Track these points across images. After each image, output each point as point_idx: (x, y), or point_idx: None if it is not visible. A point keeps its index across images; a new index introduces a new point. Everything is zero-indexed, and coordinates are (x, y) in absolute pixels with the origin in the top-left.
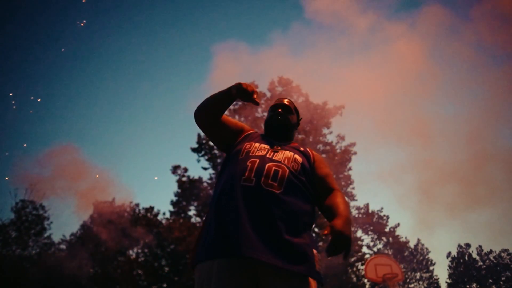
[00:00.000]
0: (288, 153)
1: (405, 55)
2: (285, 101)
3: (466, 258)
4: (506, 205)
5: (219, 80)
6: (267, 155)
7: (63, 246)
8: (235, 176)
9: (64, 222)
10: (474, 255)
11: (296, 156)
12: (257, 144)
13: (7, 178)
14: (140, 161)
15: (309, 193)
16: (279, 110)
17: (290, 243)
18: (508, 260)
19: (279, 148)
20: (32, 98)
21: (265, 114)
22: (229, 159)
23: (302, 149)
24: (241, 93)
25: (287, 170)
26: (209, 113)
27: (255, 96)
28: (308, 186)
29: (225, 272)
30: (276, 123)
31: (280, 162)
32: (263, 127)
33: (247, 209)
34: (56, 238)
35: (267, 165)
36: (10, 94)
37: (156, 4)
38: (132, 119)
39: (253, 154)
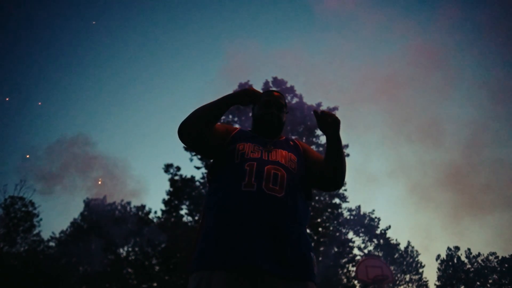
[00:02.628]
0: (283, 152)
1: (402, 55)
2: (279, 98)
3: (455, 260)
4: (497, 209)
5: (211, 78)
6: (263, 157)
7: (52, 244)
8: (235, 181)
9: (54, 219)
10: (463, 258)
11: (291, 154)
12: (249, 145)
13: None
14: (133, 159)
15: (306, 192)
16: (273, 110)
17: (293, 249)
18: (496, 263)
19: (272, 147)
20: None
21: None
22: (221, 163)
23: (291, 143)
24: (253, 98)
25: (286, 172)
26: (205, 123)
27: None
28: (306, 183)
29: (225, 284)
30: (270, 124)
31: (277, 162)
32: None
33: (250, 216)
34: (45, 235)
35: (266, 167)
36: (7, 99)
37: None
38: (126, 116)
39: (249, 156)
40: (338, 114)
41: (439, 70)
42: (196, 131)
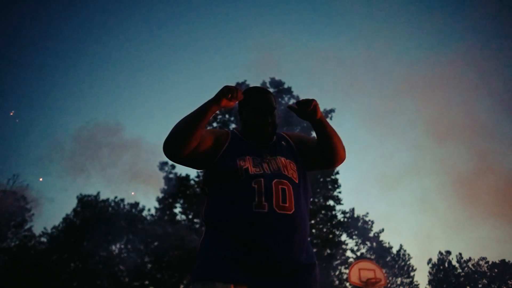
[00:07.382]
0: (282, 160)
1: (400, 55)
2: (271, 101)
3: (446, 265)
4: (491, 214)
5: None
6: (266, 170)
7: (44, 239)
8: (244, 201)
9: (48, 215)
10: (454, 262)
11: (290, 161)
12: (248, 157)
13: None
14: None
15: (307, 197)
16: (267, 117)
17: (305, 262)
18: (486, 268)
19: (269, 155)
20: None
21: None
22: (223, 179)
23: (283, 142)
24: (234, 96)
25: (291, 184)
26: (189, 138)
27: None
28: (306, 184)
29: None
30: (265, 134)
31: (280, 174)
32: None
33: (263, 238)
34: (37, 231)
35: (273, 183)
36: (13, 114)
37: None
38: (125, 115)
39: (253, 173)
40: (334, 116)
41: (477, 74)
42: (182, 149)
